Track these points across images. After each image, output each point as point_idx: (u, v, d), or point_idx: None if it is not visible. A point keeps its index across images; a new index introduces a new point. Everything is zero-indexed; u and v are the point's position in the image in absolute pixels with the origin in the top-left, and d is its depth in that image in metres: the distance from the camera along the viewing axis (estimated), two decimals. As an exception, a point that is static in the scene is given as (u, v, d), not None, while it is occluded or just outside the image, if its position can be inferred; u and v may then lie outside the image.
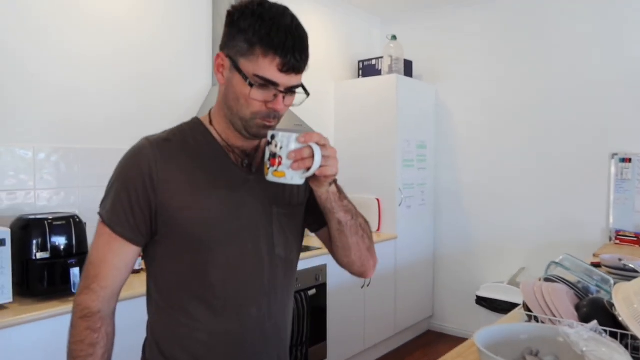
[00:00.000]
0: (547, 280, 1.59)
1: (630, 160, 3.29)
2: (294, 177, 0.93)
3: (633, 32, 3.28)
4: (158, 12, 2.74)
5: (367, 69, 3.92)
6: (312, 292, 2.88)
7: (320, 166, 0.92)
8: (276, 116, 0.99)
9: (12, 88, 2.18)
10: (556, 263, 1.57)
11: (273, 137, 0.92)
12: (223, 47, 1.00)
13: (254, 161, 1.09)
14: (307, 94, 1.02)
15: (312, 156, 0.91)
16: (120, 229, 0.99)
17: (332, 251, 1.16)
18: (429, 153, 4.01)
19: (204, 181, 1.02)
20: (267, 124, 0.99)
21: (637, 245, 3.15)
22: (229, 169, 1.05)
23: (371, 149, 3.68)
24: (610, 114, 3.36)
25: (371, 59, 3.91)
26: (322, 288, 2.96)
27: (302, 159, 0.92)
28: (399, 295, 3.77)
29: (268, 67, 0.93)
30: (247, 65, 0.94)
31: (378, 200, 3.69)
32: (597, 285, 1.49)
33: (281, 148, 0.92)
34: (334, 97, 3.93)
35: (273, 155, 0.92)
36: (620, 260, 2.28)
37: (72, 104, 2.40)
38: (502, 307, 3.45)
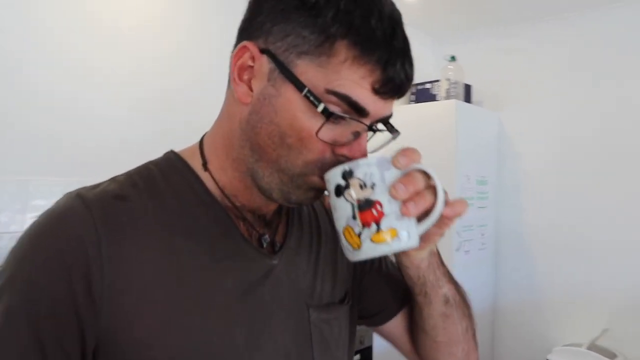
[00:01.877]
0: None
1: None
2: (411, 234, 0.56)
3: None
4: (183, 23, 2.40)
5: (421, 94, 3.50)
6: (356, 358, 2.44)
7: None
8: None
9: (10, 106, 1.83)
10: None
11: (350, 172, 0.54)
12: (255, 34, 0.60)
13: (276, 234, 0.69)
14: (395, 131, 0.65)
15: (431, 187, 0.56)
16: None
17: (422, 350, 0.77)
18: (491, 190, 3.53)
19: (201, 282, 0.59)
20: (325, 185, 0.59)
21: None
22: (239, 252, 0.63)
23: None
24: None
25: (425, 82, 3.50)
26: (367, 353, 2.51)
27: (417, 193, 0.55)
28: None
29: (358, 81, 0.56)
30: (313, 73, 0.56)
31: (432, 244, 3.20)
32: None
33: (374, 186, 0.54)
34: (382, 125, 3.51)
35: (365, 205, 0.53)
36: None
37: (82, 128, 2.03)
38: (580, 377, 2.92)
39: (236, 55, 0.61)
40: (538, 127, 3.48)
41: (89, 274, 0.54)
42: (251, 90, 0.60)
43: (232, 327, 0.60)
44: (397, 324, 0.82)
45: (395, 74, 0.57)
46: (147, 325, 0.55)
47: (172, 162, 0.67)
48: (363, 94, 0.56)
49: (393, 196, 0.54)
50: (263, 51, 0.59)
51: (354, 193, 0.54)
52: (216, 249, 0.62)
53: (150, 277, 0.57)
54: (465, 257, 3.28)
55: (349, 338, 0.77)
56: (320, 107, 0.55)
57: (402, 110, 3.44)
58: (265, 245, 0.67)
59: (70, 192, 0.59)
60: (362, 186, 0.54)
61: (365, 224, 0.54)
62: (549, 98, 3.41)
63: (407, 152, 0.56)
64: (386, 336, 0.85)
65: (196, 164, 0.66)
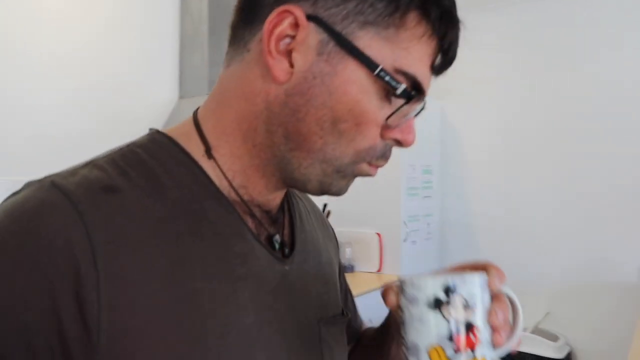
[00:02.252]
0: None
1: (673, 188, 2.84)
2: None
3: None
4: (111, 5, 2.19)
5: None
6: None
7: None
8: (388, 158, 0.55)
9: None
10: None
11: (454, 288, 0.50)
12: None
13: (282, 231, 0.61)
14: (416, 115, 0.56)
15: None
16: None
17: None
18: (435, 179, 3.53)
19: (213, 294, 0.48)
20: (373, 174, 0.55)
21: (686, 289, 2.67)
22: (252, 253, 0.53)
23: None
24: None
25: (368, 71, 3.44)
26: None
27: (506, 321, 0.53)
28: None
29: (423, 59, 0.51)
30: (379, 48, 0.48)
31: (379, 235, 3.17)
32: None
33: (475, 307, 0.52)
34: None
35: (465, 328, 0.50)
36: None
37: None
38: (525, 361, 2.96)
39: (272, 21, 0.49)
40: (481, 117, 3.51)
41: (81, 293, 0.40)
42: (292, 65, 0.50)
43: (253, 350, 0.50)
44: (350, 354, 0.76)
45: (452, 56, 0.54)
46: (158, 349, 0.44)
47: (163, 146, 0.54)
48: (424, 74, 0.51)
49: (491, 322, 0.52)
50: (311, 18, 0.49)
51: (456, 312, 0.50)
52: (229, 253, 0.51)
53: (156, 296, 0.44)
54: (412, 247, 3.25)
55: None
56: (400, 89, 0.49)
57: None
58: (277, 247, 0.58)
59: (38, 181, 0.45)
60: (465, 306, 0.51)
61: (461, 348, 0.50)
62: (492, 89, 3.44)
63: (500, 274, 0.55)
64: None
65: (194, 149, 0.54)
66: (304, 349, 0.57)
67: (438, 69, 0.54)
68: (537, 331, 3.06)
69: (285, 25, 0.49)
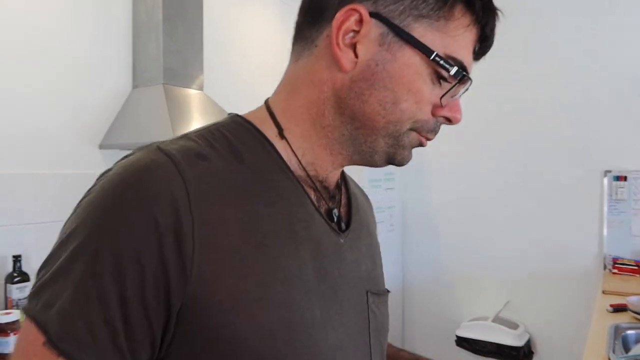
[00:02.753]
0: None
1: (625, 179, 2.92)
2: None
3: (625, 42, 2.92)
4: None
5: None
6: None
7: None
8: (437, 132, 0.64)
9: None
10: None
11: None
12: None
13: (339, 208, 0.68)
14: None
15: None
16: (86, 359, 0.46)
17: None
18: (397, 172, 3.51)
19: (280, 247, 0.56)
20: (425, 143, 0.64)
21: (638, 275, 2.76)
22: (313, 222, 0.61)
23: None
24: (603, 128, 2.98)
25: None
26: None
27: None
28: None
29: (468, 46, 0.60)
30: (432, 37, 0.57)
31: (341, 228, 3.10)
32: None
33: None
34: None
35: None
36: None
37: None
38: (486, 349, 3.01)
39: (339, 19, 0.57)
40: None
41: (180, 233, 0.49)
42: (355, 54, 0.58)
43: (310, 301, 0.57)
44: None
45: (491, 43, 0.63)
46: (232, 292, 0.51)
47: (242, 126, 0.62)
48: (469, 59, 0.60)
49: None
50: (373, 15, 0.57)
51: None
52: (294, 217, 0.59)
53: (235, 242, 0.53)
54: (374, 239, 3.23)
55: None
56: (453, 71, 0.57)
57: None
58: (335, 219, 0.65)
59: (145, 146, 0.55)
60: None
61: None
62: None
63: None
64: None
65: (268, 131, 0.62)
66: (353, 311, 0.64)
67: (478, 54, 0.62)
68: (498, 320, 3.11)
69: (351, 22, 0.57)
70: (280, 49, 3.27)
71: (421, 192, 3.58)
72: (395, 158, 0.63)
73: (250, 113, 0.65)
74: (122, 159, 0.55)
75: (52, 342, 0.46)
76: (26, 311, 0.48)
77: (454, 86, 0.59)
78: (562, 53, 3.09)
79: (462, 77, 0.58)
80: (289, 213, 0.58)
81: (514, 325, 3.09)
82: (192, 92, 2.26)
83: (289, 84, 0.65)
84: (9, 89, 1.90)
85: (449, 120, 0.63)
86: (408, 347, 3.54)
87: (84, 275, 0.47)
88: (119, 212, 0.49)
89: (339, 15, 0.57)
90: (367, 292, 0.68)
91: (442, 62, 0.57)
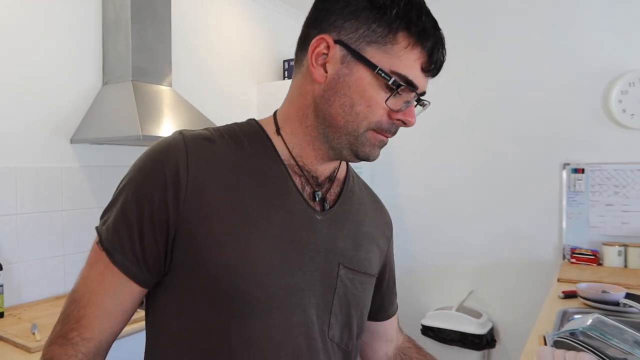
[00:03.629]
0: (560, 344, 1.17)
1: (583, 171, 3.04)
2: None
3: (584, 36, 3.04)
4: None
5: (293, 70, 3.44)
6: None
7: None
8: (396, 132, 0.78)
9: None
10: (590, 329, 1.13)
11: None
12: (327, 29, 0.75)
13: (327, 195, 0.84)
14: (427, 103, 0.81)
15: None
16: (122, 259, 0.73)
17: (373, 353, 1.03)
18: (365, 165, 3.59)
19: (254, 208, 0.75)
20: (385, 140, 0.78)
21: (594, 265, 2.88)
22: (290, 197, 0.78)
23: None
24: (561, 121, 3.10)
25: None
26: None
27: None
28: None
29: (412, 63, 0.73)
30: (380, 57, 0.73)
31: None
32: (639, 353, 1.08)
33: None
34: (257, 101, 3.42)
35: None
36: (604, 291, 1.94)
37: None
38: (450, 338, 3.10)
39: (313, 45, 0.75)
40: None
41: (178, 185, 0.72)
42: (326, 72, 0.75)
43: (271, 250, 0.74)
44: (373, 326, 1.00)
45: (438, 58, 0.74)
46: (215, 227, 0.72)
47: (252, 125, 0.82)
48: (415, 73, 0.73)
49: None
50: (337, 42, 0.74)
51: None
52: (272, 190, 0.77)
53: (222, 195, 0.73)
54: (344, 232, 3.31)
55: (368, 309, 0.90)
56: (391, 81, 0.72)
57: (274, 86, 3.38)
58: (317, 199, 0.81)
59: (176, 130, 0.78)
60: None
61: None
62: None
63: None
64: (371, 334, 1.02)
65: (270, 130, 0.82)
66: (320, 272, 0.79)
67: (428, 69, 0.74)
68: (462, 309, 3.21)
69: (321, 47, 0.75)
70: (248, 46, 3.35)
71: (389, 185, 3.68)
72: (359, 154, 0.78)
73: (263, 119, 0.85)
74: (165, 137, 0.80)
75: (100, 242, 0.74)
76: (97, 228, 0.76)
77: (393, 94, 0.73)
78: (523, 50, 3.20)
79: (398, 86, 0.72)
80: (268, 186, 0.77)
81: (477, 315, 3.19)
82: (161, 89, 2.34)
83: (288, 96, 0.84)
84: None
85: (404, 123, 0.77)
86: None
87: (121, 205, 0.74)
88: (144, 171, 0.74)
89: (313, 42, 0.76)
90: (339, 264, 0.81)
91: (383, 75, 0.72)
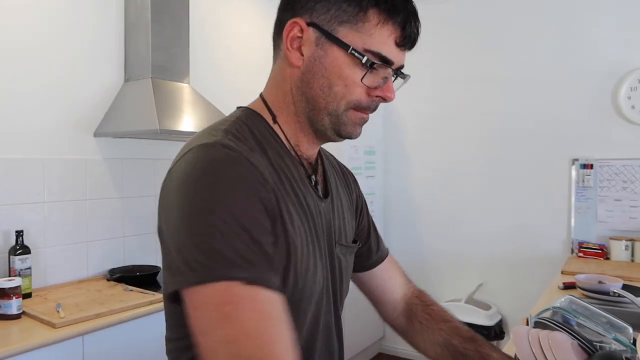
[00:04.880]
0: (539, 324, 1.25)
1: (592, 167, 3.07)
2: None
3: (592, 33, 3.07)
4: (52, -9, 2.24)
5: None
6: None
7: None
8: (376, 108, 0.78)
9: None
10: (558, 308, 1.21)
11: None
12: (300, 12, 0.76)
13: (317, 177, 0.87)
14: (407, 76, 0.80)
15: None
16: (269, 278, 0.64)
17: (388, 311, 1.06)
18: (378, 160, 3.67)
19: (292, 206, 0.76)
20: (365, 117, 0.78)
21: (601, 259, 2.92)
22: (307, 190, 0.81)
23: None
24: (570, 117, 3.13)
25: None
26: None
27: None
28: (347, 316, 3.38)
29: (386, 40, 0.73)
30: (352, 36, 0.73)
31: (323, 213, 3.28)
32: (610, 335, 1.15)
33: None
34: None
35: None
36: (600, 282, 1.99)
37: None
38: (459, 328, 3.15)
39: (287, 29, 0.76)
40: (418, 99, 3.66)
41: (267, 193, 0.69)
42: (302, 55, 0.76)
43: (309, 248, 0.77)
44: (365, 277, 1.04)
45: (411, 31, 0.74)
46: (290, 230, 0.73)
47: (253, 116, 0.80)
48: (389, 49, 0.73)
49: None
50: (310, 24, 0.74)
51: None
52: (298, 188, 0.78)
53: (284, 202, 0.73)
54: (355, 224, 3.39)
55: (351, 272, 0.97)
56: (364, 60, 0.72)
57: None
58: (313, 183, 0.83)
59: (210, 144, 0.70)
60: None
61: None
62: (427, 72, 3.59)
63: None
64: (365, 284, 1.06)
65: (267, 117, 0.81)
66: (329, 257, 0.84)
67: (403, 44, 0.74)
68: (471, 301, 3.27)
69: (295, 31, 0.76)
70: (263, 43, 3.45)
71: (401, 180, 3.75)
72: (342, 133, 0.79)
73: (251, 104, 0.84)
74: (202, 156, 0.73)
75: (243, 280, 0.61)
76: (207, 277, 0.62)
77: (367, 72, 0.73)
78: (533, 47, 3.24)
79: (372, 64, 0.73)
80: (295, 187, 0.78)
81: (486, 307, 3.25)
82: (179, 85, 2.46)
83: (271, 79, 0.83)
84: (16, 85, 2.11)
85: (383, 99, 0.77)
86: (387, 329, 3.73)
87: (233, 237, 0.65)
88: (233, 191, 0.68)
89: (287, 26, 0.76)
90: (335, 243, 0.87)
91: (356, 54, 0.72)
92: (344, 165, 1.04)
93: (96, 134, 2.38)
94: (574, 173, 3.12)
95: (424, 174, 3.67)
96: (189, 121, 2.32)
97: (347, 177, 1.02)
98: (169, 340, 0.79)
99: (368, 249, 1.04)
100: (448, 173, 3.57)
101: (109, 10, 2.45)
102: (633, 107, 2.93)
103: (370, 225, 1.07)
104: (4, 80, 2.09)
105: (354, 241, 0.96)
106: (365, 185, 3.51)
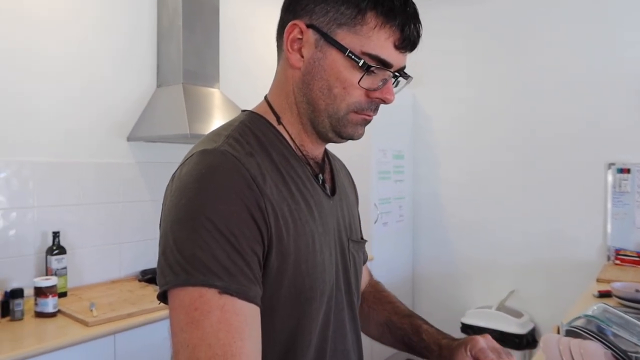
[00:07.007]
0: (570, 333, 1.22)
1: (629, 171, 2.97)
2: None
3: (629, 33, 2.98)
4: (97, 5, 2.32)
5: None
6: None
7: None
8: (377, 109, 0.79)
9: None
10: (591, 317, 1.18)
11: None
12: (300, 13, 0.77)
13: (324, 176, 0.87)
14: (409, 77, 0.79)
15: None
16: (246, 289, 0.65)
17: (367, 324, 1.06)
18: (407, 164, 3.65)
19: (299, 207, 0.76)
20: (368, 118, 0.78)
21: (639, 266, 2.82)
22: (314, 189, 0.82)
23: (342, 160, 3.26)
24: (607, 120, 3.04)
25: (343, 60, 3.53)
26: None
27: None
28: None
29: (384, 42, 0.73)
30: (350, 39, 0.73)
31: (351, 217, 3.27)
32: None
33: None
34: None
35: None
36: (637, 290, 1.93)
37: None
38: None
39: (287, 31, 0.77)
40: (450, 103, 3.62)
41: (257, 199, 0.69)
42: (302, 57, 0.77)
43: (322, 248, 0.78)
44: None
45: (410, 34, 0.74)
46: (288, 231, 0.72)
47: (257, 120, 0.81)
48: (388, 52, 0.73)
49: None
50: (309, 26, 0.75)
51: None
52: (304, 187, 0.79)
53: (280, 201, 0.73)
54: (383, 229, 3.39)
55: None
56: (361, 63, 0.73)
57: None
58: (320, 182, 0.84)
59: (208, 150, 0.71)
60: None
61: None
62: (459, 76, 3.55)
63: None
64: None
65: (272, 120, 0.81)
66: (340, 254, 0.85)
67: (402, 46, 0.74)
68: (503, 308, 3.20)
69: (295, 33, 0.77)
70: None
71: (431, 185, 3.71)
72: (342, 134, 0.79)
73: (256, 107, 0.85)
74: (202, 162, 0.74)
75: (219, 288, 0.63)
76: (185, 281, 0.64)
77: (365, 74, 0.74)
78: (568, 51, 3.17)
79: (369, 67, 0.73)
80: (303, 188, 0.79)
81: (518, 314, 3.17)
82: (209, 91, 2.50)
83: (275, 82, 0.85)
84: (55, 92, 2.19)
85: (382, 101, 0.77)
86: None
87: (215, 242, 0.66)
88: (219, 199, 0.69)
89: (287, 28, 0.77)
90: (348, 239, 0.88)
91: (353, 57, 0.73)
92: (347, 169, 1.08)
93: (129, 138, 2.44)
94: (610, 178, 3.03)
95: (454, 179, 3.63)
96: (219, 125, 2.35)
97: (350, 177, 1.06)
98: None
99: None
100: (479, 177, 3.52)
101: (142, 18, 2.51)
102: (673, 110, 2.83)
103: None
104: (47, 89, 2.17)
105: (362, 238, 0.99)
106: (393, 190, 3.49)
